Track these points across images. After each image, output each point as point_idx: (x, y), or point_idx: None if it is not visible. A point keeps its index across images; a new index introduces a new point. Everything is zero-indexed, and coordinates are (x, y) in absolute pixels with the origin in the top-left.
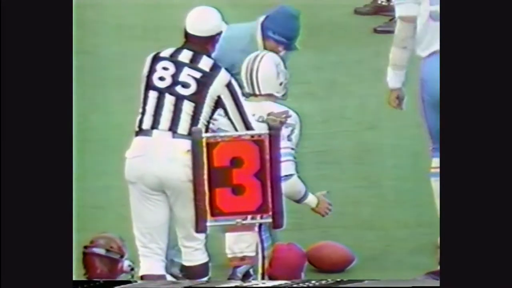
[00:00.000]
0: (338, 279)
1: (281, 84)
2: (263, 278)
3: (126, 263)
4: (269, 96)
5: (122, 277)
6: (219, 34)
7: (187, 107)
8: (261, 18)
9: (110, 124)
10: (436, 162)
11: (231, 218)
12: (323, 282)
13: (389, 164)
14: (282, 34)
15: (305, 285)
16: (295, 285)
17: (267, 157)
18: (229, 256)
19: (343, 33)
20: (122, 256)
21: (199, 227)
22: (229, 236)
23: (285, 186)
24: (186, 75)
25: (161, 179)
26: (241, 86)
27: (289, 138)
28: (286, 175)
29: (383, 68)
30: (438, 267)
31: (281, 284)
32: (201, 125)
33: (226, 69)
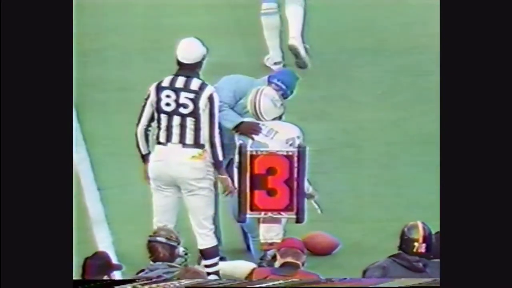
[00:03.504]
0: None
1: (279, 108)
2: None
3: (181, 249)
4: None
5: (177, 261)
6: (204, 58)
7: (189, 123)
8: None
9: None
10: (264, 6)
11: (265, 213)
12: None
13: (365, 173)
14: (283, 82)
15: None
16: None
17: (295, 168)
18: (261, 241)
19: (332, 71)
20: (179, 244)
21: (240, 217)
22: (262, 226)
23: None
24: (184, 97)
25: (173, 178)
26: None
27: None
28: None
29: (362, 100)
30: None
31: (294, 283)
32: (202, 133)
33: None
